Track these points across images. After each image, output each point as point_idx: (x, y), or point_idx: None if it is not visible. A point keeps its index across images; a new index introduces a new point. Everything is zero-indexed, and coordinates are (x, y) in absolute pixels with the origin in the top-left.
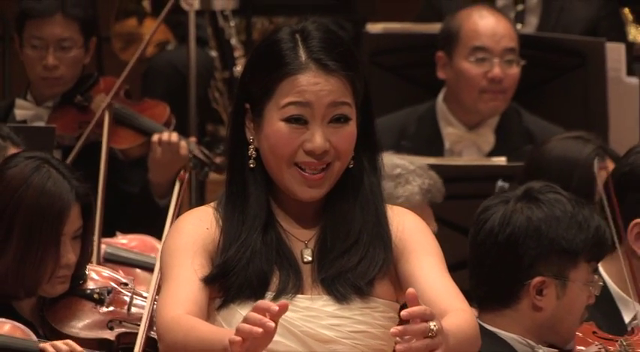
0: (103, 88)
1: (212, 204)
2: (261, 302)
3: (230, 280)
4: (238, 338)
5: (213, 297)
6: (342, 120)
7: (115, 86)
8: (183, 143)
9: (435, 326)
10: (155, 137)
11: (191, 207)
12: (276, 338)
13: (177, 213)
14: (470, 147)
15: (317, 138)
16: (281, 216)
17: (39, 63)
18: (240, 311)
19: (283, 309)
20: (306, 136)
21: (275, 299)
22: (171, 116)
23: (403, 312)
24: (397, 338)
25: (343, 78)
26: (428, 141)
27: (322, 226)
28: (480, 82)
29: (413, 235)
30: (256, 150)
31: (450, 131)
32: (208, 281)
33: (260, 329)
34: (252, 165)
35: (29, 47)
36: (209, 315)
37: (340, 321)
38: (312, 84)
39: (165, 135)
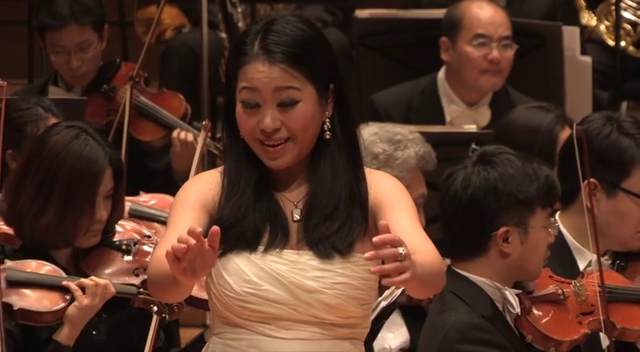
0: (124, 72)
1: (220, 168)
2: (190, 226)
3: (228, 234)
4: (170, 250)
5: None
6: (289, 103)
7: (134, 70)
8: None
9: (403, 250)
10: (175, 134)
11: (204, 169)
12: (267, 286)
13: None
14: (469, 122)
15: (266, 118)
16: (274, 179)
17: (64, 65)
18: (236, 260)
19: (214, 234)
20: (259, 117)
21: (265, 252)
22: (187, 108)
23: (375, 238)
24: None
25: (287, 65)
26: (431, 115)
27: (309, 190)
28: (481, 63)
29: (388, 194)
30: None
31: (453, 108)
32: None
33: (184, 245)
34: (242, 138)
35: (53, 53)
36: None
37: (323, 273)
38: (258, 72)
39: (182, 134)
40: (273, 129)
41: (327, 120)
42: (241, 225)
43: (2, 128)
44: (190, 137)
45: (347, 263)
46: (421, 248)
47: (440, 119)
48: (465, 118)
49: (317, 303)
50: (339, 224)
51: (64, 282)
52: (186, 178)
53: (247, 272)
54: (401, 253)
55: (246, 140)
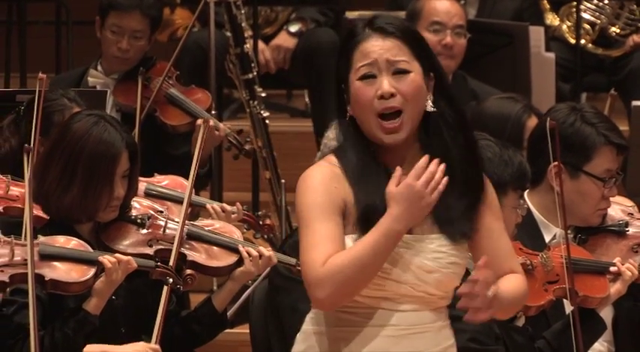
0: (159, 68)
1: (332, 160)
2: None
3: (363, 221)
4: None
5: (349, 232)
6: (402, 72)
7: (166, 68)
8: (221, 126)
9: (492, 292)
10: (198, 121)
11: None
12: (393, 268)
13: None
14: (427, 102)
15: (384, 84)
16: (388, 163)
17: (115, 45)
18: None
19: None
20: (376, 86)
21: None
22: (212, 103)
23: (472, 277)
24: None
25: (398, 39)
26: None
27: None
28: (436, 47)
29: (490, 197)
30: (352, 118)
31: None
32: (359, 225)
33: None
34: (352, 129)
35: (109, 31)
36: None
37: (440, 255)
38: (373, 45)
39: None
40: (390, 94)
41: (429, 100)
42: (375, 213)
43: (40, 117)
44: (212, 122)
45: (456, 244)
46: (508, 263)
47: None
48: None
49: (432, 281)
50: (456, 206)
51: (100, 258)
52: (203, 165)
53: None
54: (489, 295)
55: (362, 117)
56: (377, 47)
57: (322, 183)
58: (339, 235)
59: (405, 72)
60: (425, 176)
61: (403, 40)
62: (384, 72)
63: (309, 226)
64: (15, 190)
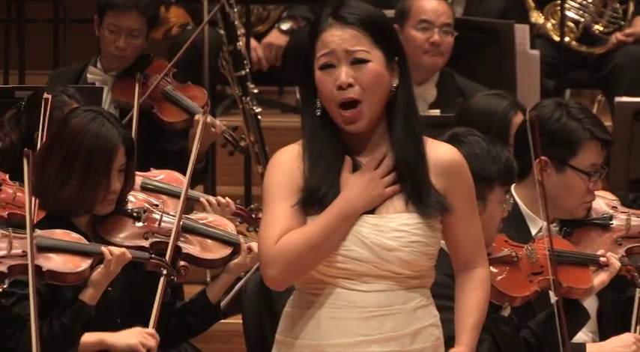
0: (156, 65)
1: (299, 142)
2: None
3: (316, 202)
4: None
5: (312, 214)
6: (360, 61)
7: (166, 68)
8: (218, 123)
9: None
10: (197, 117)
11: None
12: (352, 247)
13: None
14: (417, 98)
15: (341, 74)
16: (352, 149)
17: (112, 43)
18: None
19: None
20: (335, 76)
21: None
22: (208, 100)
23: None
24: None
25: (357, 29)
26: None
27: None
28: (424, 45)
29: (459, 180)
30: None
31: None
32: (302, 205)
33: None
34: (318, 114)
35: (107, 30)
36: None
37: (401, 234)
38: (332, 36)
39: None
40: (347, 85)
41: (394, 87)
42: (328, 194)
43: (46, 124)
44: (209, 120)
45: (420, 223)
46: (474, 254)
47: None
48: None
49: (395, 260)
50: (411, 186)
51: (103, 248)
52: (199, 160)
53: None
54: None
55: (325, 105)
56: (336, 37)
57: (287, 163)
58: (296, 214)
59: (364, 61)
60: (381, 168)
61: (363, 30)
62: (343, 62)
63: (268, 204)
64: (22, 197)
